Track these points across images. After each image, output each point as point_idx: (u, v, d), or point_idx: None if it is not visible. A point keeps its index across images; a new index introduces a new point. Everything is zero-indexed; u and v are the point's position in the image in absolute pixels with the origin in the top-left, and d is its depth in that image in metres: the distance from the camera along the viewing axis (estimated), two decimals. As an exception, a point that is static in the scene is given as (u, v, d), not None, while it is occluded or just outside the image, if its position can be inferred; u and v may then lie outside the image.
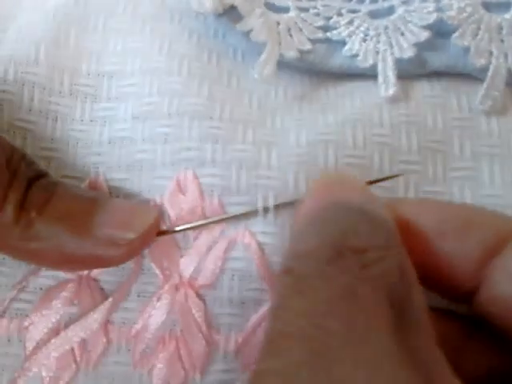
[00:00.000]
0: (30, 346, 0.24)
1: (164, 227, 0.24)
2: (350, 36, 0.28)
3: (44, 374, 0.24)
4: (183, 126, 0.25)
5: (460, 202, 0.25)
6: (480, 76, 0.26)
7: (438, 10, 0.27)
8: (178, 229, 0.24)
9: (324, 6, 0.29)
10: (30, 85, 0.26)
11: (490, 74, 0.26)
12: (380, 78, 0.27)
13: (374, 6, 0.28)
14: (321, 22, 0.28)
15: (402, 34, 0.27)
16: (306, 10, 0.29)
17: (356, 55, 0.27)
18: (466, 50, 0.27)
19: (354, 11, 0.29)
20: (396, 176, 0.24)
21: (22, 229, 0.21)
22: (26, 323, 0.24)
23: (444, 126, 0.26)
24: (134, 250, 0.23)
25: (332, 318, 0.15)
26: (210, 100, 0.26)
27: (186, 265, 0.24)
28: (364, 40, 0.28)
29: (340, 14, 0.28)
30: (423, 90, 0.27)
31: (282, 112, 0.27)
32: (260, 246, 0.24)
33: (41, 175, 0.23)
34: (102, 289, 0.24)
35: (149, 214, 0.24)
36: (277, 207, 0.24)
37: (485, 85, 0.26)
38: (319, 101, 0.27)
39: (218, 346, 0.24)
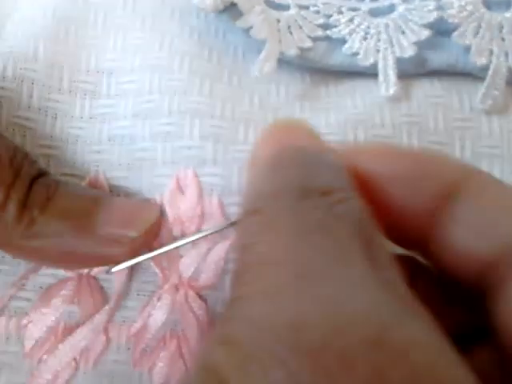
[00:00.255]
0: (28, 344, 0.24)
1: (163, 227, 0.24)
2: (350, 34, 0.28)
3: (43, 372, 0.24)
4: (184, 124, 0.25)
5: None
6: (481, 75, 0.26)
7: (439, 8, 0.27)
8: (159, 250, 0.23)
9: (324, 3, 0.28)
10: (29, 81, 0.25)
11: (490, 72, 0.26)
12: (380, 77, 0.27)
13: (374, 4, 0.28)
14: (321, 20, 0.28)
15: (403, 33, 0.27)
16: (306, 7, 0.28)
17: (356, 53, 0.27)
18: (467, 48, 0.26)
19: (354, 9, 0.28)
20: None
21: (25, 227, 0.21)
22: (25, 321, 0.24)
23: (445, 126, 0.26)
24: (135, 248, 0.23)
25: (308, 247, 0.15)
26: (211, 98, 0.26)
27: (186, 265, 0.24)
28: (364, 38, 0.27)
29: (340, 12, 0.28)
30: (424, 89, 0.27)
31: (284, 111, 0.26)
32: None
33: (42, 174, 0.23)
34: (101, 287, 0.24)
35: (151, 213, 0.24)
36: None
37: (485, 84, 0.26)
38: (320, 100, 0.27)
39: None
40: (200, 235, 0.23)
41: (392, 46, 0.27)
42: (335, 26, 0.28)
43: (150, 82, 0.26)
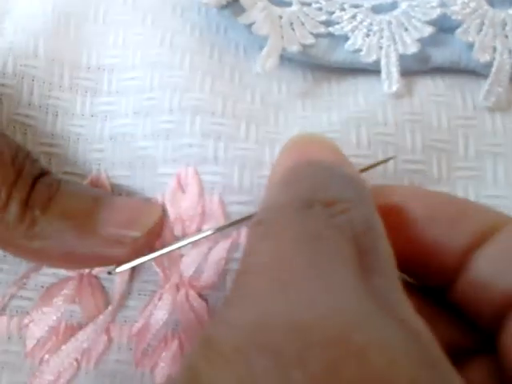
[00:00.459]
0: (30, 343, 0.24)
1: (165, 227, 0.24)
2: (352, 31, 0.27)
3: (45, 371, 0.23)
4: (185, 121, 0.25)
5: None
6: (484, 72, 0.26)
7: (442, 5, 0.27)
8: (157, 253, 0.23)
9: (327, 0, 0.28)
10: (30, 78, 0.25)
11: (493, 69, 0.26)
12: (383, 74, 0.26)
13: (376, 1, 0.28)
14: (323, 17, 0.28)
15: (406, 30, 0.27)
16: (308, 4, 0.28)
17: (359, 50, 0.27)
18: (470, 45, 0.26)
19: (356, 6, 0.28)
20: (389, 160, 0.24)
21: (27, 227, 0.21)
22: (27, 321, 0.24)
23: (448, 124, 0.26)
24: (138, 248, 0.23)
25: (297, 254, 0.16)
26: (212, 95, 0.25)
27: (187, 265, 0.24)
28: (367, 35, 0.27)
29: (343, 9, 0.28)
30: (427, 87, 0.26)
31: (286, 109, 0.26)
32: None
33: (44, 173, 0.23)
34: (103, 286, 0.24)
35: (153, 213, 0.23)
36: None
37: (488, 80, 0.26)
38: (322, 98, 0.27)
39: None
40: (201, 235, 0.23)
41: (395, 42, 0.27)
42: (337, 23, 0.28)
43: (151, 78, 0.26)
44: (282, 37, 0.27)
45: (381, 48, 0.27)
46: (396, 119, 0.25)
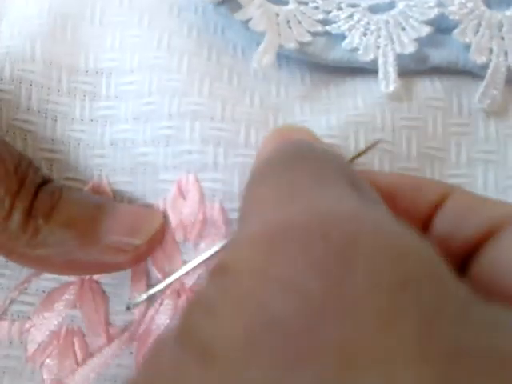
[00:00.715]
0: (31, 348, 0.24)
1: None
2: (349, 30, 0.27)
3: (45, 376, 0.24)
4: (184, 127, 0.24)
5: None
6: (481, 73, 0.26)
7: (439, 5, 0.27)
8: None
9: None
10: (28, 83, 0.25)
11: (489, 71, 0.26)
12: (380, 74, 0.26)
13: (374, 1, 0.28)
14: (320, 16, 0.28)
15: (403, 29, 0.27)
16: (305, 3, 0.28)
17: (356, 49, 0.27)
18: (467, 46, 0.26)
19: (353, 6, 0.28)
20: (375, 144, 0.24)
21: (30, 236, 0.21)
22: (28, 325, 0.24)
23: (443, 131, 0.26)
24: (140, 255, 0.23)
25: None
26: (210, 98, 0.25)
27: (190, 271, 0.24)
28: (364, 34, 0.27)
29: (340, 9, 0.28)
30: (425, 89, 0.26)
31: (284, 112, 0.26)
32: None
33: (46, 181, 0.23)
34: (103, 291, 0.24)
35: (154, 220, 0.23)
36: None
37: (484, 83, 0.26)
38: (321, 101, 0.27)
39: None
40: (212, 251, 0.23)
41: (392, 42, 0.27)
42: (334, 22, 0.27)
43: (150, 82, 0.25)
44: (279, 34, 0.27)
45: (378, 47, 0.27)
46: (393, 125, 0.25)
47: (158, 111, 0.25)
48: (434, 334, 0.12)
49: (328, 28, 0.28)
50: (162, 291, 0.24)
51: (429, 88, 0.26)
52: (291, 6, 0.28)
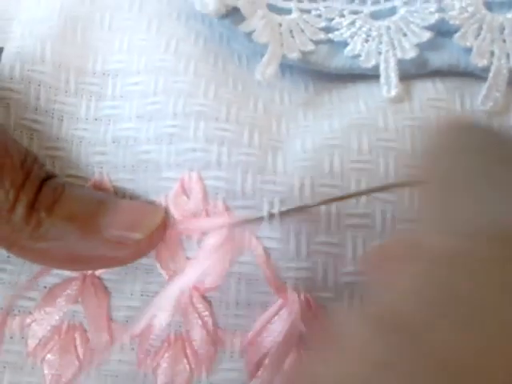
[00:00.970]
0: (32, 343, 0.24)
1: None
2: (351, 37, 0.27)
3: (46, 371, 0.24)
4: (189, 126, 0.24)
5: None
6: (483, 75, 0.26)
7: (440, 10, 0.27)
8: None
9: (326, 7, 0.28)
10: (36, 83, 0.25)
11: (491, 74, 0.26)
12: (382, 79, 0.26)
13: (375, 7, 0.28)
14: (323, 24, 0.28)
15: (404, 35, 0.27)
16: (308, 11, 0.28)
17: (358, 56, 0.27)
18: (468, 50, 0.26)
19: (355, 12, 0.28)
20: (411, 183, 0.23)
21: (32, 229, 0.21)
22: (29, 320, 0.24)
23: None
24: (141, 250, 0.23)
25: None
26: (216, 101, 0.25)
27: (193, 268, 0.24)
28: (366, 41, 0.27)
29: (342, 16, 0.28)
30: (427, 91, 0.26)
31: (287, 118, 0.26)
32: (266, 250, 0.24)
33: (50, 176, 0.23)
34: (105, 287, 0.24)
35: (156, 215, 0.23)
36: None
37: (486, 85, 0.26)
38: (324, 106, 0.27)
39: (224, 345, 0.24)
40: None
41: (394, 48, 0.27)
42: (337, 29, 0.28)
43: (155, 83, 0.25)
44: (282, 44, 0.27)
45: (380, 53, 0.27)
46: (396, 125, 0.25)
47: (163, 110, 0.25)
48: None
49: (331, 35, 0.28)
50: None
51: (431, 89, 0.26)
52: (294, 14, 0.28)
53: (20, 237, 0.22)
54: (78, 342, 0.24)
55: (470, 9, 0.27)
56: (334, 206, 0.24)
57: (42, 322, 0.24)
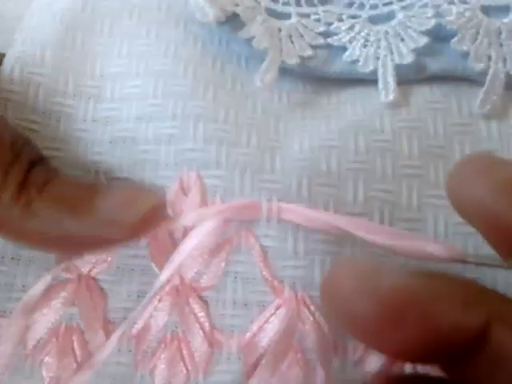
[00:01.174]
0: (30, 345, 0.23)
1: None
2: (350, 42, 0.27)
3: (45, 373, 0.23)
4: (188, 127, 0.25)
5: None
6: (479, 79, 0.26)
7: (437, 15, 0.27)
8: None
9: (325, 11, 0.28)
10: (35, 85, 0.25)
11: (488, 78, 0.26)
12: (380, 84, 0.26)
13: (374, 12, 0.28)
14: (322, 28, 0.28)
15: (402, 40, 0.27)
16: (307, 15, 0.28)
17: (356, 61, 0.27)
18: (465, 54, 0.26)
19: (354, 17, 0.28)
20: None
21: (22, 207, 0.21)
22: (28, 322, 0.23)
23: (444, 131, 0.25)
24: (135, 231, 0.22)
25: None
26: (214, 103, 0.25)
27: (188, 267, 0.24)
28: (364, 46, 0.27)
29: (341, 20, 0.28)
30: (424, 95, 0.26)
31: (286, 118, 0.26)
32: (263, 248, 0.24)
33: (42, 160, 0.23)
34: (101, 288, 0.24)
35: (152, 196, 0.22)
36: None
37: (484, 89, 0.26)
38: (321, 108, 0.27)
39: (221, 347, 0.23)
40: None
41: (391, 53, 0.27)
42: (336, 34, 0.28)
43: (155, 87, 0.26)
44: (281, 50, 0.27)
45: (378, 58, 0.27)
46: (393, 127, 0.25)
47: (162, 112, 0.25)
48: None
49: (329, 40, 0.28)
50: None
51: (427, 94, 0.26)
52: (293, 19, 0.28)
53: (10, 216, 0.21)
54: (75, 344, 0.24)
55: (467, 14, 0.27)
56: (330, 209, 0.24)
57: (39, 325, 0.24)
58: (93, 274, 0.24)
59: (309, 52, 0.28)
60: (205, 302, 0.24)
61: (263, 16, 0.28)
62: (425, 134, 0.25)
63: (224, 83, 0.27)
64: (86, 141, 0.25)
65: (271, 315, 0.23)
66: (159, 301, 0.24)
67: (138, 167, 0.25)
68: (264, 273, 0.24)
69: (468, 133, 0.25)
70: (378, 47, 0.27)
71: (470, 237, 0.24)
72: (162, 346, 0.24)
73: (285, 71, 0.27)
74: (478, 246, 0.24)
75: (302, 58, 0.27)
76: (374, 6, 0.28)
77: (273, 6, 0.29)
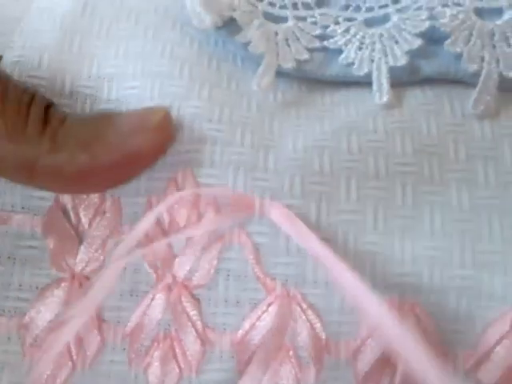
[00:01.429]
0: (28, 343, 0.24)
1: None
2: (346, 44, 0.27)
3: (41, 371, 0.23)
4: (183, 128, 0.25)
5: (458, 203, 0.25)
6: (472, 81, 0.26)
7: (431, 17, 0.27)
8: None
9: (321, 14, 0.28)
10: (32, 87, 0.25)
11: (482, 78, 0.25)
12: (374, 86, 0.26)
13: (370, 14, 0.28)
14: (318, 31, 0.28)
15: (396, 42, 0.27)
16: (303, 18, 0.28)
17: (352, 63, 0.27)
18: (458, 56, 0.26)
19: (350, 19, 0.28)
20: None
21: (49, 139, 0.22)
22: (25, 320, 0.24)
23: (438, 130, 0.25)
24: (160, 137, 0.24)
25: None
26: (210, 103, 0.25)
27: (181, 265, 0.24)
28: (360, 48, 0.27)
29: (337, 23, 0.28)
30: (416, 97, 0.26)
31: (280, 117, 0.26)
32: (255, 246, 0.24)
33: (53, 104, 0.24)
34: None
35: (160, 108, 0.25)
36: None
37: (477, 89, 0.25)
38: (316, 108, 0.27)
39: (214, 345, 0.23)
40: None
41: (386, 55, 0.27)
42: (332, 37, 0.28)
43: (151, 87, 0.26)
44: (278, 54, 0.27)
45: (372, 61, 0.27)
46: (386, 127, 0.25)
47: None
48: None
49: (326, 43, 0.28)
50: None
51: (420, 96, 0.26)
52: (290, 22, 0.28)
53: (40, 152, 0.22)
54: (71, 342, 0.24)
55: (461, 16, 0.27)
56: (323, 207, 0.24)
57: (37, 322, 0.24)
58: (86, 272, 0.24)
59: (305, 55, 0.28)
60: (197, 300, 0.24)
61: (260, 20, 0.28)
62: (418, 133, 0.25)
63: (219, 82, 0.27)
64: None
65: (263, 313, 0.23)
66: (152, 299, 0.24)
67: None
68: (256, 270, 0.23)
69: (461, 132, 0.25)
70: (373, 50, 0.27)
71: (467, 233, 0.24)
72: (155, 344, 0.24)
73: (280, 73, 0.27)
74: (476, 241, 0.24)
75: (299, 62, 0.27)
76: (370, 9, 0.28)
77: (270, 9, 0.29)
